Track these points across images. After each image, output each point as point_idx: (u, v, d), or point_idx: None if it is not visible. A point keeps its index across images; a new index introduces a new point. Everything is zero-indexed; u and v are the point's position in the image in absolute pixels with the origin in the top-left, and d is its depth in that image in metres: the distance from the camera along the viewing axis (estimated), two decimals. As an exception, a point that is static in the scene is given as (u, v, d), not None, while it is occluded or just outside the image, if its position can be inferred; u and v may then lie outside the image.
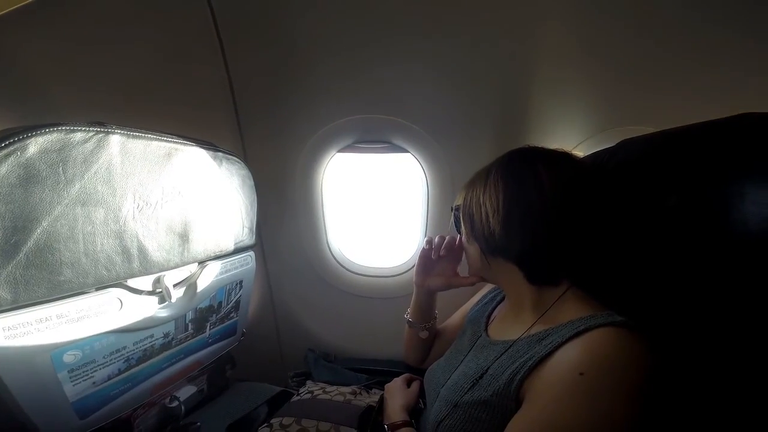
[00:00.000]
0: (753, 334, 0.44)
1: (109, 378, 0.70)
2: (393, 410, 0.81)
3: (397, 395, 0.86)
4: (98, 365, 0.67)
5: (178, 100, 1.02)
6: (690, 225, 0.50)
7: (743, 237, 0.43)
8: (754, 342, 0.44)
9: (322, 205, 1.16)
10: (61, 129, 0.53)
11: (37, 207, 0.51)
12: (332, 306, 1.24)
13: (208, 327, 0.90)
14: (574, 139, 1.03)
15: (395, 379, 0.93)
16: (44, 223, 0.52)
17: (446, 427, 0.61)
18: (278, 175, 1.12)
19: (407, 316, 0.96)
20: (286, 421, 0.80)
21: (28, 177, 0.50)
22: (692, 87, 0.95)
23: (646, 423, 0.47)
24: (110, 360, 0.69)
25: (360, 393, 0.92)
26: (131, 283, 0.68)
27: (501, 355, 0.63)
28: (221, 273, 0.86)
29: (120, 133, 0.59)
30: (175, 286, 0.76)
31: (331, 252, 1.21)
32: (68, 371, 0.63)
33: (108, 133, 0.58)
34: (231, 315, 0.95)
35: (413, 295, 0.93)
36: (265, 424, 0.81)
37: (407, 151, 1.10)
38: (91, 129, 0.56)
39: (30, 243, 0.51)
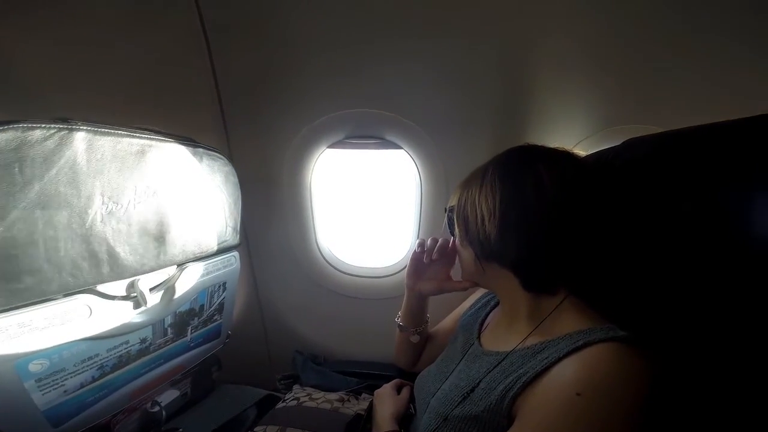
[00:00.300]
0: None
1: (82, 386, 0.67)
2: (382, 418, 0.78)
3: (386, 402, 0.83)
4: (69, 373, 0.64)
5: (160, 97, 0.98)
6: (704, 232, 0.46)
7: (764, 247, 0.40)
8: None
9: (311, 203, 1.12)
10: (18, 126, 0.49)
11: (-12, 211, 0.47)
12: (322, 307, 1.20)
13: (189, 331, 0.86)
14: (574, 137, 0.99)
15: (385, 385, 0.90)
16: (-2, 229, 0.48)
17: None
18: (265, 171, 1.07)
19: (398, 320, 0.93)
20: (270, 429, 0.77)
21: (-22, 179, 0.46)
22: (697, 86, 0.91)
23: None
24: (82, 368, 0.66)
25: (348, 400, 0.89)
26: (102, 288, 0.64)
27: (494, 368, 0.60)
28: (203, 275, 0.82)
29: (86, 129, 0.55)
30: (151, 290, 0.72)
31: (320, 251, 1.17)
32: (36, 380, 0.60)
33: (72, 130, 0.53)
34: (214, 318, 0.92)
35: (404, 298, 0.90)
36: None
37: (400, 147, 1.05)
38: (52, 126, 0.52)
39: (-18, 250, 0.47)
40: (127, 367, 0.75)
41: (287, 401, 0.90)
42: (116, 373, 0.73)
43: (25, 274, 0.52)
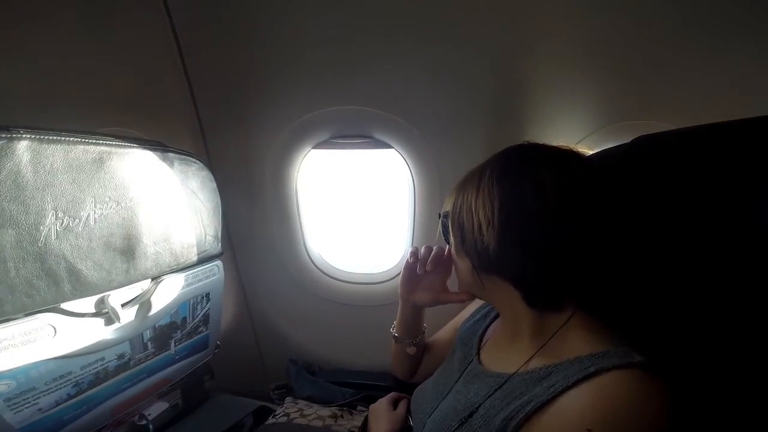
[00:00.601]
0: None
1: (58, 403, 0.65)
2: None
3: (382, 419, 0.79)
4: (40, 392, 0.61)
5: (130, 102, 0.93)
6: (730, 239, 0.41)
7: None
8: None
9: (298, 207, 1.06)
10: (-54, 137, 0.44)
11: None
12: (314, 314, 1.15)
13: (173, 344, 0.82)
14: (576, 134, 0.90)
15: (380, 400, 0.85)
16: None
17: None
18: (247, 175, 1.02)
19: (393, 331, 0.87)
20: (256, 449, 0.73)
21: None
22: (707, 80, 0.83)
23: None
24: (55, 386, 0.63)
25: (341, 416, 0.85)
26: (68, 306, 0.60)
27: (494, 392, 0.54)
28: (183, 287, 0.77)
29: (29, 138, 0.50)
30: (124, 305, 0.68)
31: (309, 257, 1.11)
32: (4, 400, 0.57)
33: (12, 138, 0.48)
34: (200, 329, 0.88)
35: (399, 308, 0.84)
36: None
37: (391, 147, 0.98)
38: (-13, 135, 0.47)
39: None
40: (106, 383, 0.72)
41: (277, 416, 0.85)
42: (95, 390, 0.70)
43: (-28, 297, 0.48)
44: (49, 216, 0.53)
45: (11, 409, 0.59)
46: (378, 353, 1.01)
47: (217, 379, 1.07)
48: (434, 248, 0.75)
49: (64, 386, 0.64)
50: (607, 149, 0.61)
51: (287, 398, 0.95)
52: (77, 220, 0.56)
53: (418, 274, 0.76)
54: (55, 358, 0.60)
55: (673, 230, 0.47)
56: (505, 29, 0.81)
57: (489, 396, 0.54)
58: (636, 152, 0.52)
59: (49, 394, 0.62)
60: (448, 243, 0.68)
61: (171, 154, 0.70)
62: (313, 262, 1.12)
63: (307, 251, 1.11)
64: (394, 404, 0.82)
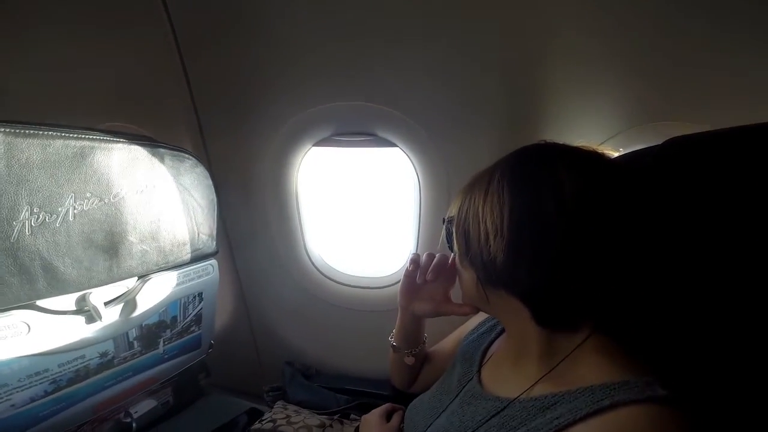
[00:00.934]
0: None
1: (33, 400, 0.63)
2: None
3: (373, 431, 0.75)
4: (14, 388, 0.60)
5: (126, 99, 0.91)
6: None
7: None
8: None
9: (298, 206, 1.02)
10: None
11: None
12: (313, 317, 1.11)
13: (161, 343, 0.80)
14: (598, 136, 0.83)
15: (373, 411, 0.81)
16: None
17: None
18: (246, 173, 0.98)
19: (391, 339, 0.83)
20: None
21: None
22: (743, 76, 0.75)
23: None
24: (29, 383, 0.62)
25: (330, 425, 0.81)
26: (44, 303, 0.58)
27: (490, 418, 0.50)
28: (173, 285, 0.75)
29: (3, 131, 0.47)
30: (107, 303, 0.66)
31: (309, 258, 1.08)
32: (-26, 396, 0.56)
33: (-18, 131, 0.46)
34: (191, 329, 0.85)
35: (398, 317, 0.80)
36: None
37: (395, 145, 0.93)
38: (-43, 128, 0.45)
39: None
40: (86, 381, 0.70)
41: (263, 422, 0.83)
42: (74, 387, 0.69)
43: (-63, 294, 0.46)
44: (23, 211, 0.51)
45: (-18, 405, 0.57)
46: (377, 359, 0.96)
47: (214, 377, 1.05)
48: (437, 256, 0.70)
49: (40, 383, 0.63)
50: (634, 151, 0.55)
51: (278, 402, 0.92)
52: (55, 215, 0.54)
53: (418, 283, 0.71)
54: (30, 356, 0.59)
55: (712, 243, 0.41)
56: (522, 26, 0.75)
57: (484, 422, 0.50)
58: (670, 154, 0.46)
59: (23, 390, 0.61)
60: (452, 251, 0.63)
61: (161, 150, 0.67)
62: (313, 264, 1.08)
63: (307, 252, 1.08)
64: (388, 416, 0.78)
